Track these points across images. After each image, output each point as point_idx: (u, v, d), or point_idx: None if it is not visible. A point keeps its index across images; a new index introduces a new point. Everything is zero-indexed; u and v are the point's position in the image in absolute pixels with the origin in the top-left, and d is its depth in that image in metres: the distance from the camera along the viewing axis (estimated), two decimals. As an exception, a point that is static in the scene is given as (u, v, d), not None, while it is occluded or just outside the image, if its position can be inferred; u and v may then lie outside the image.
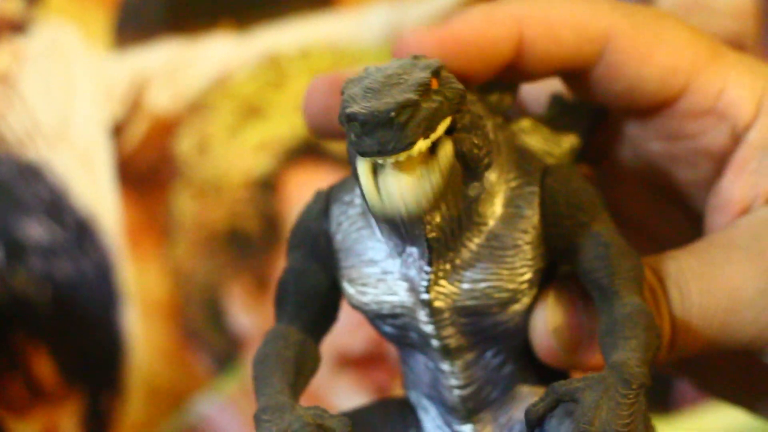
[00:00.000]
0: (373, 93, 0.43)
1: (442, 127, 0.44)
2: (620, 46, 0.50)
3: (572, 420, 0.44)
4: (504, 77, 0.50)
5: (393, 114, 0.42)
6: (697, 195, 0.53)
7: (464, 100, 0.45)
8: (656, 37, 0.50)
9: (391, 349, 0.62)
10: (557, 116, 0.52)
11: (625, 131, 0.53)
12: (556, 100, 0.53)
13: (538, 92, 0.54)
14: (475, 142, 0.45)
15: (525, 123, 0.52)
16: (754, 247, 0.49)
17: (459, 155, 0.45)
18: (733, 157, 0.51)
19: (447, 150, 0.44)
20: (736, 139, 0.51)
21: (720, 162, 0.52)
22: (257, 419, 0.45)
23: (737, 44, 0.80)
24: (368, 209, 0.46)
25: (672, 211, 0.55)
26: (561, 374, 0.50)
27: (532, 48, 0.49)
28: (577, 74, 0.51)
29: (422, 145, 0.43)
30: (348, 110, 0.43)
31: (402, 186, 0.43)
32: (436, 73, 0.44)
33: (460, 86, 0.45)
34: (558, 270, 0.49)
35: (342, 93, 0.44)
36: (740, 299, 0.49)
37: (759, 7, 0.81)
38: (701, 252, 0.50)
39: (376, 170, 0.44)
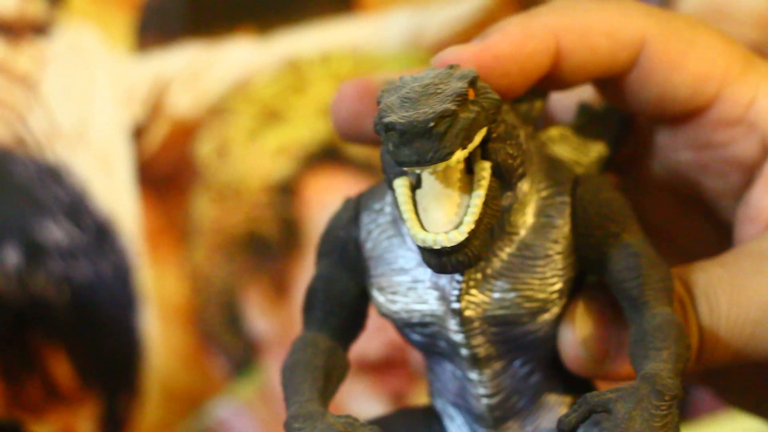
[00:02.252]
0: (411, 103, 0.43)
1: (479, 137, 0.44)
2: (654, 52, 0.50)
3: (601, 430, 0.44)
4: (540, 87, 0.50)
5: (432, 124, 0.42)
6: (726, 205, 0.53)
7: (499, 111, 0.45)
8: (689, 45, 0.50)
9: (410, 356, 0.62)
10: (585, 125, 0.52)
11: (654, 140, 0.53)
12: (584, 108, 0.53)
13: (566, 101, 0.54)
14: (510, 152, 0.45)
15: (553, 132, 0.52)
16: None
17: (494, 166, 0.45)
18: (763, 168, 0.51)
19: (486, 171, 0.44)
20: (767, 149, 0.51)
21: (750, 172, 0.52)
22: (288, 427, 0.45)
23: (758, 53, 0.80)
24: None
25: (699, 222, 0.55)
26: (587, 384, 0.50)
27: (568, 58, 0.49)
28: (610, 80, 0.51)
29: (460, 155, 0.43)
30: (386, 120, 0.43)
31: (444, 218, 0.44)
32: (472, 83, 0.44)
33: (496, 96, 0.45)
34: (586, 280, 0.49)
35: (378, 102, 0.45)
36: None
37: (781, 17, 0.81)
38: (730, 263, 0.50)
39: (414, 192, 0.44)
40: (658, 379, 0.44)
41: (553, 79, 0.50)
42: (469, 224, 0.43)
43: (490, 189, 0.44)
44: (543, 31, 0.49)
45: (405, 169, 0.44)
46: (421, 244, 0.44)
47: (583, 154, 0.51)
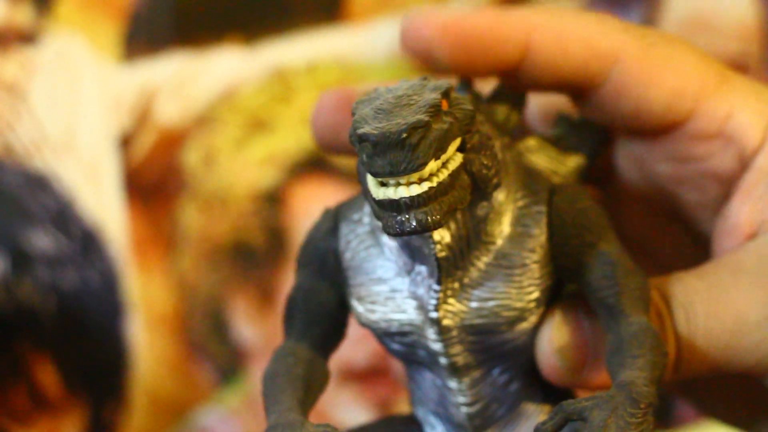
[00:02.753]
0: (385, 114, 0.44)
1: (452, 148, 0.44)
2: (629, 66, 0.50)
3: None
4: (508, 82, 0.50)
5: (404, 135, 0.43)
6: (704, 218, 0.53)
7: (474, 121, 0.45)
8: (665, 60, 0.51)
9: (395, 364, 0.62)
10: (563, 136, 0.53)
11: (631, 152, 0.53)
12: (561, 119, 0.53)
13: (543, 112, 0.55)
14: (484, 162, 0.46)
15: (531, 142, 0.52)
16: (762, 271, 0.49)
17: (468, 175, 0.45)
18: (740, 182, 0.51)
19: (456, 164, 0.45)
20: (744, 163, 0.51)
21: (727, 185, 0.52)
22: None
23: (741, 64, 0.81)
24: (378, 226, 0.47)
25: (676, 234, 0.55)
26: (566, 392, 0.51)
27: (538, 55, 0.50)
28: (584, 92, 0.51)
29: (433, 165, 0.43)
30: (359, 131, 0.43)
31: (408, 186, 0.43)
32: (445, 94, 0.45)
33: (470, 107, 0.45)
34: (564, 289, 0.50)
35: (353, 113, 0.45)
36: (746, 322, 0.49)
37: (763, 28, 0.81)
38: (708, 275, 0.50)
39: (384, 185, 0.44)
40: (634, 387, 0.44)
41: (521, 75, 0.50)
42: (430, 183, 0.43)
43: (461, 177, 0.44)
44: (516, 21, 0.50)
45: (377, 180, 0.44)
46: (381, 197, 0.43)
47: (560, 164, 0.52)
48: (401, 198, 0.43)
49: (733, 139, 0.51)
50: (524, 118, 0.53)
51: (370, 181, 0.44)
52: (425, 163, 0.43)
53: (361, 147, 0.43)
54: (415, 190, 0.43)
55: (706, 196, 0.52)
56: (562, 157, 0.52)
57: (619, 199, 0.54)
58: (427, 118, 0.43)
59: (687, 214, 0.54)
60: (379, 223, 0.47)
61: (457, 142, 0.45)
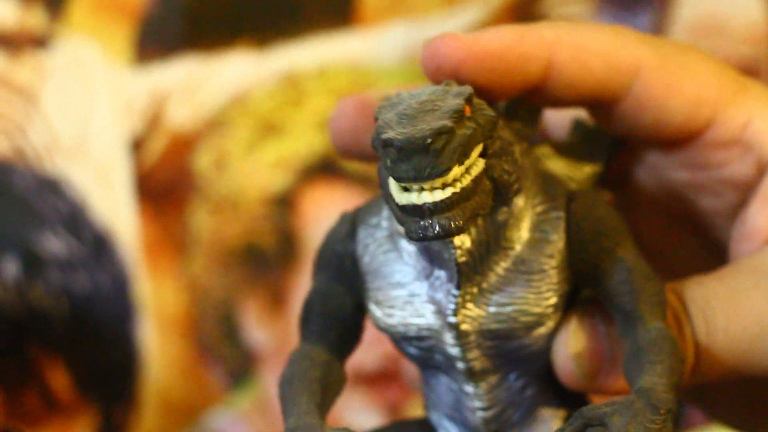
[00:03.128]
0: (409, 119, 0.44)
1: (475, 153, 0.45)
2: (648, 78, 0.51)
3: None
4: (530, 100, 0.51)
5: (429, 141, 0.43)
6: (720, 224, 0.53)
7: (495, 127, 0.45)
8: (683, 70, 0.51)
9: (405, 368, 0.62)
10: (578, 142, 0.53)
11: (648, 159, 0.54)
12: (577, 125, 0.54)
13: (559, 118, 0.55)
14: (505, 167, 0.46)
15: (547, 148, 0.52)
16: None
17: (490, 181, 0.45)
18: (758, 188, 0.52)
19: (479, 169, 0.45)
20: (762, 169, 0.52)
21: (745, 192, 0.52)
22: None
23: (751, 69, 0.81)
24: (398, 230, 0.47)
25: (691, 241, 0.55)
26: (581, 398, 0.51)
27: (560, 72, 0.50)
28: (604, 106, 0.52)
29: (457, 171, 0.44)
30: (384, 136, 0.43)
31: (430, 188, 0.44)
32: (468, 100, 0.45)
33: (492, 113, 0.46)
34: (580, 294, 0.50)
35: (375, 118, 0.45)
36: (767, 325, 0.49)
37: (774, 33, 0.82)
38: (728, 278, 0.50)
39: (407, 190, 0.44)
40: (653, 393, 0.44)
41: (544, 93, 0.50)
42: (453, 188, 0.43)
43: (483, 182, 0.45)
44: (537, 39, 0.50)
45: (402, 185, 0.44)
46: (404, 202, 0.43)
47: (576, 170, 0.52)
48: (425, 203, 0.43)
49: (751, 146, 0.51)
50: (541, 124, 0.54)
51: (393, 186, 0.44)
52: (449, 169, 0.43)
53: (385, 152, 0.43)
54: (439, 195, 0.43)
55: (723, 202, 0.53)
56: (577, 163, 0.52)
57: (634, 206, 0.55)
58: (451, 124, 0.43)
59: (702, 221, 0.54)
60: (399, 228, 0.47)
61: (480, 147, 0.45)
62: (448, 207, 0.43)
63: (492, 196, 0.45)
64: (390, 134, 0.43)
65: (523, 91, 0.50)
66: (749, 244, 0.52)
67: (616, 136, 0.53)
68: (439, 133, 0.43)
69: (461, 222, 0.44)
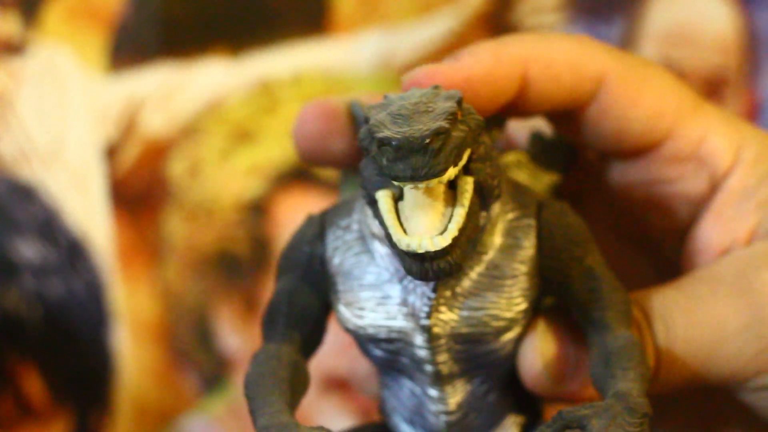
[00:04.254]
0: (404, 119, 0.44)
1: (466, 156, 0.45)
2: (612, 87, 0.52)
3: None
4: (498, 115, 0.51)
5: (428, 141, 0.43)
6: (670, 241, 0.54)
7: (482, 131, 0.46)
8: (645, 82, 0.52)
9: (356, 374, 0.61)
10: (538, 153, 0.53)
11: (602, 177, 0.55)
12: (536, 137, 0.54)
13: (519, 128, 0.56)
14: (489, 171, 0.46)
15: (511, 157, 0.53)
16: (739, 282, 0.50)
17: (475, 184, 0.46)
18: (711, 204, 0.53)
19: (469, 185, 0.45)
20: (715, 185, 0.53)
21: (697, 208, 0.53)
22: None
23: (720, 78, 0.82)
24: (372, 232, 0.47)
25: (640, 259, 0.56)
26: (538, 406, 0.52)
27: (533, 86, 0.51)
28: (570, 114, 0.52)
29: (452, 172, 0.44)
30: (380, 135, 0.44)
31: (428, 224, 0.44)
32: (459, 103, 0.45)
33: (480, 117, 0.46)
34: (543, 302, 0.50)
35: (366, 119, 0.45)
36: (725, 332, 0.50)
37: (742, 42, 0.82)
38: (686, 287, 0.51)
39: (396, 203, 0.45)
40: (630, 397, 0.45)
41: (517, 106, 0.51)
42: (453, 231, 0.44)
43: (472, 202, 0.45)
44: (512, 58, 0.50)
45: (397, 184, 0.44)
46: (405, 248, 0.44)
47: (537, 180, 0.53)
48: (426, 252, 0.44)
49: (705, 162, 0.52)
50: (504, 133, 0.54)
51: (390, 223, 0.45)
52: (446, 169, 0.44)
53: (381, 151, 0.44)
54: (439, 243, 0.44)
55: (675, 220, 0.54)
56: (538, 174, 0.53)
57: (588, 221, 0.55)
58: (447, 125, 0.44)
59: (653, 239, 0.55)
60: (373, 229, 0.47)
61: (469, 150, 0.45)
62: (448, 252, 0.44)
63: (479, 212, 0.46)
64: (387, 133, 0.44)
65: (500, 108, 0.51)
66: (701, 259, 0.53)
67: (573, 147, 0.54)
68: (437, 133, 0.44)
69: (460, 260, 0.44)
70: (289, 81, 0.78)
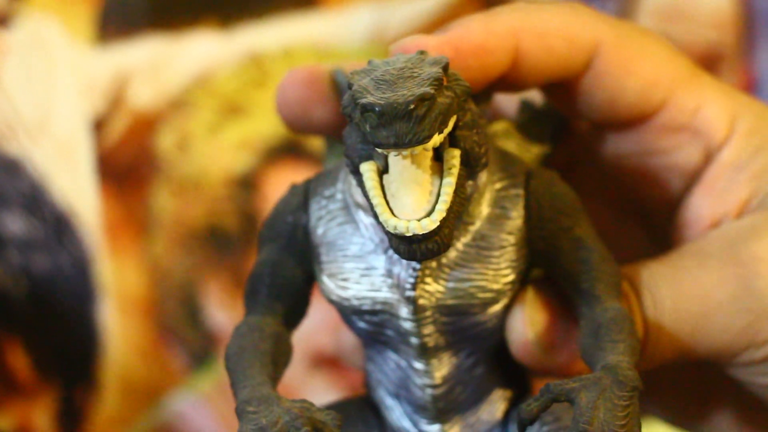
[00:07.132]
0: (388, 85, 0.43)
1: (451, 123, 0.44)
2: (607, 56, 0.51)
3: (554, 421, 0.44)
4: (498, 87, 0.51)
5: (412, 106, 0.42)
6: (662, 213, 0.54)
7: (468, 98, 0.45)
8: (640, 51, 0.51)
9: (344, 348, 0.61)
10: (527, 122, 0.53)
11: (596, 147, 0.54)
12: (525, 106, 0.53)
13: (508, 97, 0.55)
14: (476, 140, 0.45)
15: (499, 126, 0.52)
16: (726, 255, 0.49)
17: (462, 153, 0.45)
18: (704, 175, 0.52)
19: (456, 159, 0.44)
20: (708, 156, 0.52)
21: (690, 179, 0.52)
22: (241, 411, 0.44)
23: (716, 54, 0.81)
24: (356, 201, 0.46)
25: (633, 230, 0.56)
26: (524, 381, 0.51)
27: (526, 58, 0.50)
28: (563, 85, 0.51)
29: (437, 139, 0.43)
30: (363, 101, 0.43)
31: (415, 204, 0.43)
32: (445, 69, 0.44)
33: (466, 83, 0.45)
34: (530, 274, 0.50)
35: (349, 85, 0.44)
36: (712, 304, 0.49)
37: (738, 18, 0.82)
38: (674, 260, 0.50)
39: (381, 177, 0.44)
40: (620, 370, 0.44)
41: (510, 79, 0.50)
42: (441, 212, 0.43)
43: (459, 176, 0.44)
44: (504, 29, 0.50)
45: (380, 150, 0.43)
46: (392, 231, 0.43)
47: (525, 150, 0.52)
48: (414, 235, 0.43)
49: (699, 132, 0.52)
50: (492, 102, 0.53)
51: (377, 202, 0.44)
52: (430, 136, 0.43)
53: (365, 117, 0.43)
54: (428, 225, 0.43)
55: (668, 191, 0.53)
56: (527, 144, 0.52)
57: (579, 192, 0.55)
58: (432, 91, 0.43)
59: (646, 209, 0.54)
60: (357, 199, 0.47)
61: (455, 117, 0.44)
62: (436, 233, 0.43)
63: (466, 183, 0.45)
64: (370, 99, 0.43)
65: (493, 81, 0.50)
66: (691, 231, 0.52)
67: (563, 117, 0.53)
68: (422, 99, 0.42)
69: (447, 239, 0.44)
70: (279, 54, 0.77)
